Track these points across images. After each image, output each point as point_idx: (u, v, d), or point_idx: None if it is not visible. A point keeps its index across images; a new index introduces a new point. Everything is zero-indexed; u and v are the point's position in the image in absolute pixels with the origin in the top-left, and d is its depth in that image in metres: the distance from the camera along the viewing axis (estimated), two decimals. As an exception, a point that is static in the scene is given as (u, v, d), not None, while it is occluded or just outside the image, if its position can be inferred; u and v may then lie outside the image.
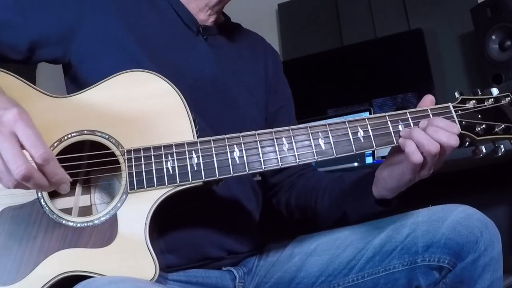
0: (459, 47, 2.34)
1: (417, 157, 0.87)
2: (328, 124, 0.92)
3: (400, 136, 0.91)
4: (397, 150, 0.93)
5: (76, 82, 1.05)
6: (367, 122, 0.92)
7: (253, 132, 0.91)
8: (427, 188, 2.04)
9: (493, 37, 2.00)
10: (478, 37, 2.05)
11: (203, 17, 1.18)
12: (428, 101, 0.95)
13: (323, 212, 1.12)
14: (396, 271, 0.97)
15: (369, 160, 1.91)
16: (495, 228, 0.93)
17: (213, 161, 0.89)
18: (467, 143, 0.97)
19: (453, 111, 0.94)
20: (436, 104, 0.96)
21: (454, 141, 0.87)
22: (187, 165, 0.88)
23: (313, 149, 0.91)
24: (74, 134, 0.91)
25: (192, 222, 1.01)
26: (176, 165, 0.88)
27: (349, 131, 0.92)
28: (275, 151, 0.90)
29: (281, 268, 1.08)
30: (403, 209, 1.03)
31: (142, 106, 0.92)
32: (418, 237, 0.95)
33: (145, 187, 0.88)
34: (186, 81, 1.03)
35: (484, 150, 0.95)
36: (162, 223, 0.94)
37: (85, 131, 0.91)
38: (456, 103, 0.95)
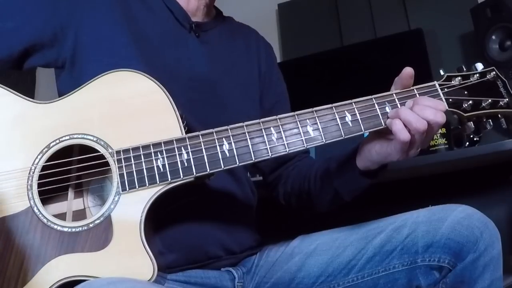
0: (459, 47, 2.34)
1: (405, 135, 0.87)
2: (315, 111, 0.92)
3: (388, 117, 0.91)
4: (384, 130, 0.93)
5: (67, 85, 1.04)
6: (354, 106, 0.92)
7: (241, 124, 0.91)
8: (427, 188, 2.05)
9: (493, 37, 1.99)
10: (478, 37, 2.05)
11: (194, 12, 1.17)
12: (408, 75, 0.93)
13: (316, 194, 1.12)
14: (396, 271, 0.97)
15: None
16: (495, 228, 0.93)
17: (203, 155, 0.88)
18: (459, 127, 0.96)
19: (439, 89, 0.94)
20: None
21: (441, 118, 0.88)
22: (177, 161, 0.88)
23: (302, 137, 0.91)
24: (63, 139, 0.91)
25: (190, 221, 1.01)
26: (166, 162, 0.88)
27: (337, 116, 0.92)
28: (264, 142, 0.90)
29: (281, 268, 1.07)
30: (403, 209, 1.03)
31: (128, 106, 0.92)
32: (418, 237, 0.95)
33: (137, 187, 0.87)
34: (179, 80, 1.03)
35: (472, 127, 0.96)
36: (158, 223, 0.94)
37: (74, 135, 0.91)
38: (442, 81, 0.96)
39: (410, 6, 2.46)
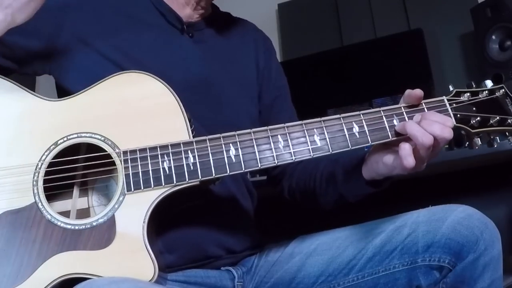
0: (459, 47, 2.34)
1: (410, 162, 0.87)
2: (323, 120, 0.93)
3: (395, 131, 0.91)
4: (391, 142, 0.93)
5: (65, 91, 1.05)
6: (362, 118, 0.93)
7: (248, 131, 0.91)
8: (427, 188, 2.05)
9: (493, 37, 2.00)
10: (478, 37, 2.05)
11: (188, 12, 1.17)
12: (416, 97, 0.93)
13: (322, 195, 1.12)
14: (397, 271, 0.97)
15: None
16: (495, 228, 0.93)
17: (209, 160, 0.89)
18: (467, 143, 0.97)
19: (447, 104, 0.94)
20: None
21: (448, 133, 0.88)
22: (183, 164, 0.88)
23: (308, 146, 0.91)
24: (70, 137, 0.91)
25: (189, 221, 1.01)
26: (172, 165, 0.88)
27: (344, 127, 0.92)
28: (271, 149, 0.91)
29: (281, 268, 1.07)
30: (403, 209, 1.03)
31: (136, 107, 0.92)
32: (419, 237, 0.95)
33: (142, 188, 0.87)
34: (173, 82, 1.03)
35: (479, 143, 0.96)
36: (160, 224, 0.94)
37: (81, 134, 0.91)
38: (451, 96, 0.96)
39: (410, 6, 2.46)
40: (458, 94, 0.96)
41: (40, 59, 1.06)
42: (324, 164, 1.13)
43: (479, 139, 0.96)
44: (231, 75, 1.18)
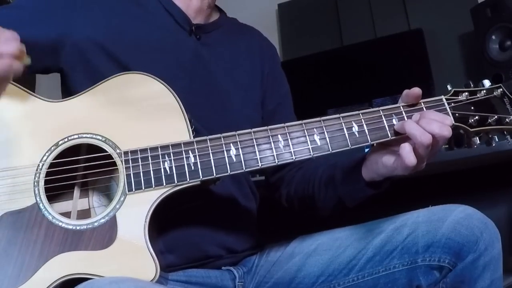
0: (459, 47, 2.34)
1: (411, 160, 0.87)
2: (323, 120, 0.93)
3: (394, 130, 0.92)
4: (390, 142, 0.93)
5: (69, 90, 1.06)
6: (361, 117, 0.93)
7: (248, 130, 0.92)
8: (427, 188, 2.05)
9: (493, 37, 2.00)
10: (478, 37, 2.05)
11: (196, 14, 1.17)
12: (414, 95, 0.94)
13: (320, 200, 1.12)
14: (397, 271, 0.97)
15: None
16: (495, 228, 0.93)
17: (210, 160, 0.89)
18: (465, 145, 0.98)
19: (446, 104, 0.95)
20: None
21: (447, 131, 0.88)
22: (184, 164, 0.89)
23: (308, 145, 0.92)
24: (71, 137, 0.92)
25: (190, 221, 1.02)
26: (173, 165, 0.89)
27: (344, 126, 0.93)
28: (271, 148, 0.91)
29: (282, 268, 1.08)
30: (403, 209, 1.03)
31: (137, 108, 0.93)
32: (419, 237, 0.95)
33: (143, 188, 0.88)
34: (179, 83, 1.03)
35: (477, 142, 0.97)
36: (161, 224, 0.94)
37: (82, 135, 0.92)
38: (449, 96, 0.97)
39: (410, 6, 2.46)
40: (456, 93, 0.97)
41: (50, 55, 1.05)
42: (322, 169, 1.13)
43: (477, 138, 0.96)
44: (235, 80, 1.19)
